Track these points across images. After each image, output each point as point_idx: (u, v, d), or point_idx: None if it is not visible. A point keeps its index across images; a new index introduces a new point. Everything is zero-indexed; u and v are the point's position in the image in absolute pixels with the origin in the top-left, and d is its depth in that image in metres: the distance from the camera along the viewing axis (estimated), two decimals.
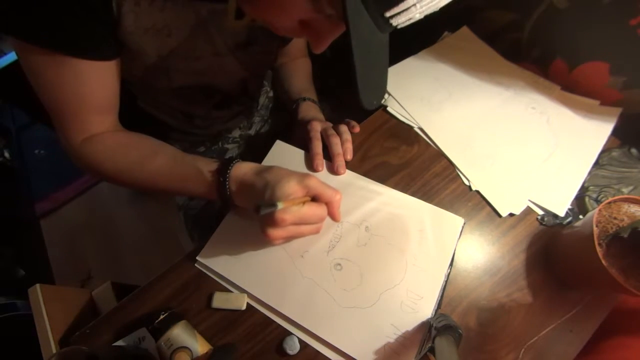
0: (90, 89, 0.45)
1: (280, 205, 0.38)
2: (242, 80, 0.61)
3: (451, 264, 0.48)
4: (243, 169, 0.46)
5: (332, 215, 0.45)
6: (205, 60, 0.51)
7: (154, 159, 0.49)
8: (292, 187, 0.41)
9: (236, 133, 0.76)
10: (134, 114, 0.60)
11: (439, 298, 0.46)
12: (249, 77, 0.62)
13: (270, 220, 0.40)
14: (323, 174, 0.54)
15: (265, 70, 0.69)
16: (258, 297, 0.46)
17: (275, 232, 0.41)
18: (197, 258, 0.48)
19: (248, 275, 0.47)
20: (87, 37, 0.40)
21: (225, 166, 0.46)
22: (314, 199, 0.44)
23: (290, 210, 0.40)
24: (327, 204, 0.44)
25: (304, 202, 0.42)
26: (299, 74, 0.71)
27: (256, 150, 0.76)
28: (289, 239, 0.44)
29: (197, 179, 0.47)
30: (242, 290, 0.47)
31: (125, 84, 0.54)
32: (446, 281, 0.47)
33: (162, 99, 0.60)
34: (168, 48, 0.47)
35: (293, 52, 0.71)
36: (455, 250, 0.48)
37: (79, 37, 0.40)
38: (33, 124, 1.61)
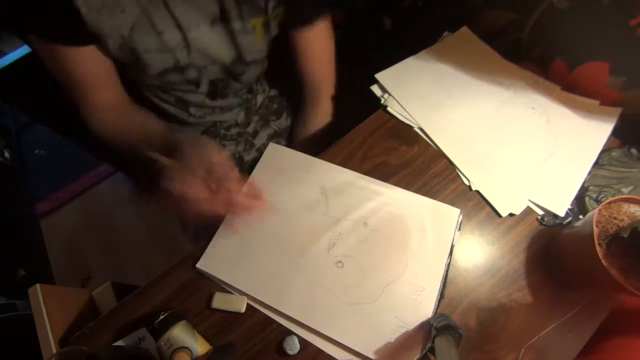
0: (79, 69, 0.51)
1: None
2: (230, 63, 0.60)
3: (450, 254, 0.48)
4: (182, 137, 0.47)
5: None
6: (171, 35, 0.51)
7: (141, 139, 0.53)
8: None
9: (234, 130, 0.76)
10: (137, 99, 0.61)
11: (441, 287, 0.46)
12: (237, 62, 0.60)
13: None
14: (324, 174, 0.54)
15: (257, 58, 0.63)
16: (260, 299, 0.46)
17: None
18: (197, 266, 0.48)
19: (249, 278, 0.47)
20: (53, 24, 0.45)
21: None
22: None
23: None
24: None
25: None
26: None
27: (254, 149, 0.76)
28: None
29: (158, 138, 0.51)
30: (243, 293, 0.47)
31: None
32: (447, 271, 0.47)
33: (153, 87, 0.61)
34: (127, 25, 0.48)
35: (317, 73, 0.68)
36: (454, 240, 0.49)
37: (46, 24, 0.45)
38: (33, 124, 1.61)
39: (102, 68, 0.53)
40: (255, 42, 0.58)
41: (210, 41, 0.54)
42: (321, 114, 0.71)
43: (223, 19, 0.53)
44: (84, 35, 0.47)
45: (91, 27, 0.46)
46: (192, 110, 0.68)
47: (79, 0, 0.43)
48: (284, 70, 0.74)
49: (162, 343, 0.42)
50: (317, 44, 0.63)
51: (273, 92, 0.81)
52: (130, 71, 0.56)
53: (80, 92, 0.54)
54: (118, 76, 0.57)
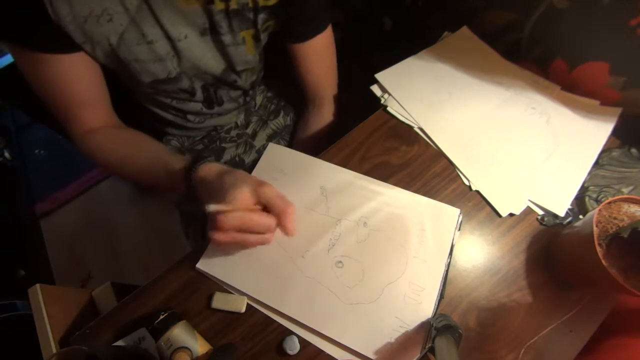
0: (65, 82, 0.47)
1: (210, 208, 0.38)
2: (222, 73, 0.60)
3: (450, 254, 0.48)
4: (207, 169, 0.46)
5: (283, 228, 0.43)
6: (161, 44, 0.50)
7: (137, 158, 0.51)
8: (242, 193, 0.41)
9: (233, 132, 0.76)
10: (133, 108, 0.60)
11: (441, 287, 0.46)
12: (228, 72, 0.60)
13: (213, 223, 0.40)
14: (324, 174, 0.54)
15: (248, 67, 0.62)
16: (260, 299, 0.46)
17: (217, 235, 0.41)
18: (197, 266, 0.48)
19: (249, 279, 0.47)
20: (29, 29, 0.42)
21: (193, 164, 0.46)
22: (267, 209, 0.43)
23: (233, 215, 0.40)
24: (278, 216, 0.42)
25: (250, 210, 0.41)
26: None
27: (254, 150, 0.76)
28: (234, 244, 0.43)
29: (169, 177, 0.48)
30: (243, 293, 0.47)
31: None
32: (447, 271, 0.47)
33: (150, 96, 0.61)
34: (115, 35, 0.46)
35: (319, 91, 0.68)
36: (454, 240, 0.49)
37: (21, 29, 0.42)
38: (33, 124, 1.61)
39: (91, 80, 0.50)
40: (245, 53, 0.57)
41: (200, 52, 0.54)
42: (324, 115, 0.71)
43: (212, 30, 0.52)
44: (68, 42, 0.45)
45: (74, 36, 0.44)
46: (190, 117, 0.68)
47: (63, 11, 0.42)
48: (280, 71, 0.74)
49: (162, 343, 0.42)
50: (317, 54, 0.62)
51: (271, 93, 0.81)
52: (122, 79, 0.55)
53: (68, 110, 0.50)
54: (108, 93, 0.54)
